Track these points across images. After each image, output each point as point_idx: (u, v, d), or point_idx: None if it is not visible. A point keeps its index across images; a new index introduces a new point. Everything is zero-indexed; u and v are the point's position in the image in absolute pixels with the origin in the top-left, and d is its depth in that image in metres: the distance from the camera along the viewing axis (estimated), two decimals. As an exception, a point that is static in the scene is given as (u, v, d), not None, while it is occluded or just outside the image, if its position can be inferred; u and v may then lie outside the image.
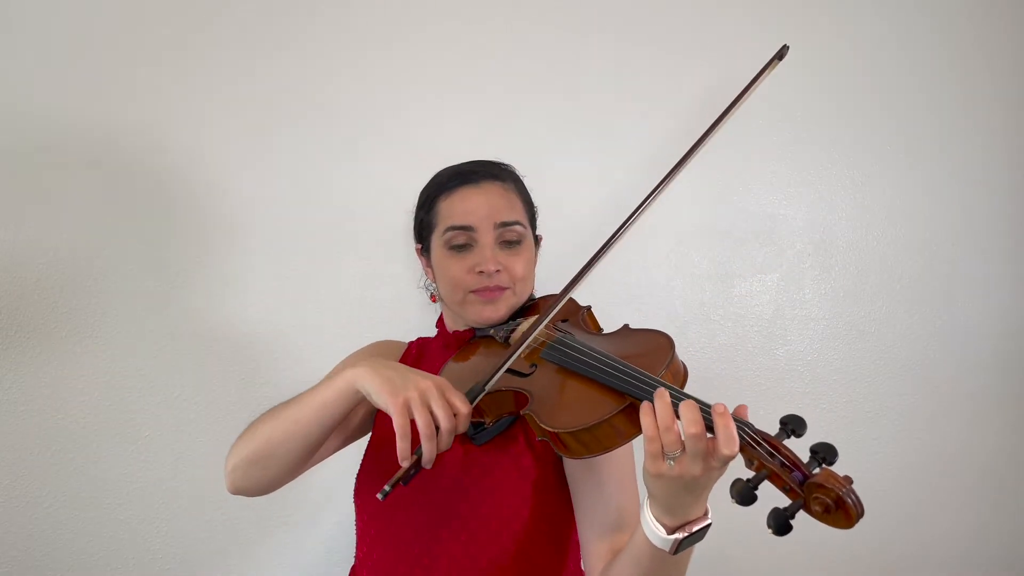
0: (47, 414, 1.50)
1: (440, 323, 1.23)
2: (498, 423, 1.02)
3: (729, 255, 1.77)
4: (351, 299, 1.62)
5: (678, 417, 0.75)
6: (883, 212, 1.83)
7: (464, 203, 1.09)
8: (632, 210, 1.02)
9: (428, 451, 0.84)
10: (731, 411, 0.75)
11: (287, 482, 1.03)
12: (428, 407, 0.84)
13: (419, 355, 1.22)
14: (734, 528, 1.72)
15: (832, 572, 1.78)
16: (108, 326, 1.53)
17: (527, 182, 1.21)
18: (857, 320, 1.82)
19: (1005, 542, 1.87)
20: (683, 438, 0.74)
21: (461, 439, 1.04)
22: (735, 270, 1.77)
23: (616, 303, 1.69)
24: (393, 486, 0.84)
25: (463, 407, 0.86)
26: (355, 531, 1.13)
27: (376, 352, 1.24)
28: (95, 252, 1.52)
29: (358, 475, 1.13)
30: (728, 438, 0.72)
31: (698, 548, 0.83)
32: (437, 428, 0.85)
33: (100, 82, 1.53)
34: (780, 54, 1.14)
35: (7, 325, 1.48)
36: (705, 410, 0.75)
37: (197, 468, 1.56)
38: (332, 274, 1.61)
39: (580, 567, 1.10)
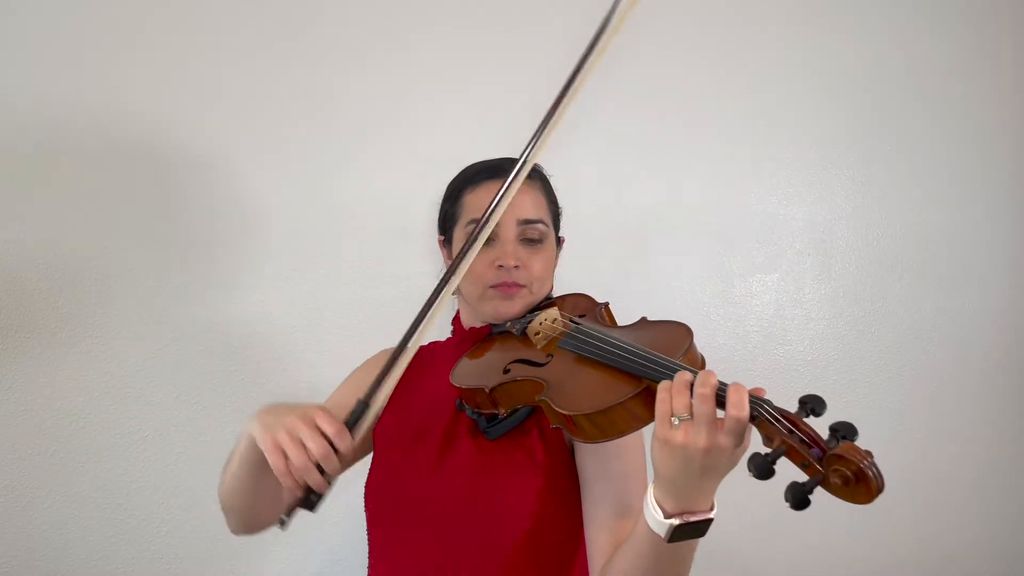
0: (47, 414, 1.50)
1: (456, 320, 1.23)
2: (513, 416, 1.02)
3: (729, 255, 1.77)
4: (352, 299, 1.62)
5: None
6: (883, 212, 1.83)
7: (489, 197, 1.07)
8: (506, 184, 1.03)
9: (314, 483, 0.86)
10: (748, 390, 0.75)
11: (269, 520, 1.06)
12: (300, 442, 0.86)
13: (427, 360, 1.21)
14: (736, 526, 1.72)
15: (832, 571, 1.78)
16: (109, 326, 1.52)
17: None
18: (857, 320, 1.82)
19: (1004, 541, 1.87)
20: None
21: (473, 434, 1.05)
22: (735, 270, 1.77)
23: (616, 304, 1.69)
24: (289, 514, 0.87)
25: (330, 427, 0.87)
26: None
27: (378, 364, 1.24)
28: (96, 252, 1.52)
29: (367, 483, 1.12)
30: (738, 402, 0.72)
31: (700, 544, 0.82)
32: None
33: (102, 82, 1.53)
34: None
35: (7, 325, 1.48)
36: (722, 385, 0.75)
37: (197, 468, 1.56)
38: (333, 275, 1.61)
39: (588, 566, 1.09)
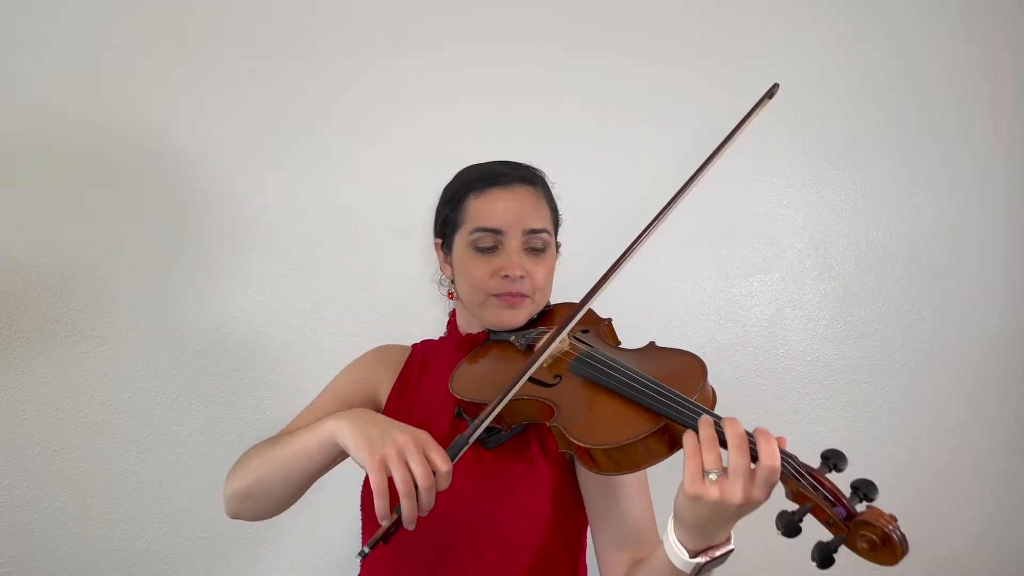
0: (47, 414, 1.50)
1: (452, 324, 1.21)
2: (512, 429, 1.00)
3: (729, 255, 1.77)
4: (351, 299, 1.62)
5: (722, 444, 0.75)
6: (883, 212, 1.83)
7: (494, 205, 1.08)
8: (646, 224, 1.06)
9: (408, 510, 0.80)
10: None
11: (282, 511, 1.02)
12: (406, 463, 0.81)
13: (424, 359, 1.20)
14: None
15: (831, 570, 1.78)
16: (108, 326, 1.53)
17: None
18: (857, 320, 1.82)
19: (1002, 541, 1.87)
20: (725, 460, 0.74)
21: (472, 444, 1.01)
22: (735, 270, 1.77)
23: (616, 304, 1.69)
24: (372, 547, 0.79)
25: (443, 465, 0.82)
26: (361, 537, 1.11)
27: (378, 359, 1.21)
28: (96, 252, 1.52)
29: (363, 489, 1.09)
30: (769, 452, 0.73)
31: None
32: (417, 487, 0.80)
33: (103, 82, 1.53)
34: (770, 92, 1.12)
35: (7, 325, 1.48)
36: (748, 434, 0.75)
37: (196, 468, 1.56)
38: (332, 274, 1.61)
39: (587, 573, 1.10)
